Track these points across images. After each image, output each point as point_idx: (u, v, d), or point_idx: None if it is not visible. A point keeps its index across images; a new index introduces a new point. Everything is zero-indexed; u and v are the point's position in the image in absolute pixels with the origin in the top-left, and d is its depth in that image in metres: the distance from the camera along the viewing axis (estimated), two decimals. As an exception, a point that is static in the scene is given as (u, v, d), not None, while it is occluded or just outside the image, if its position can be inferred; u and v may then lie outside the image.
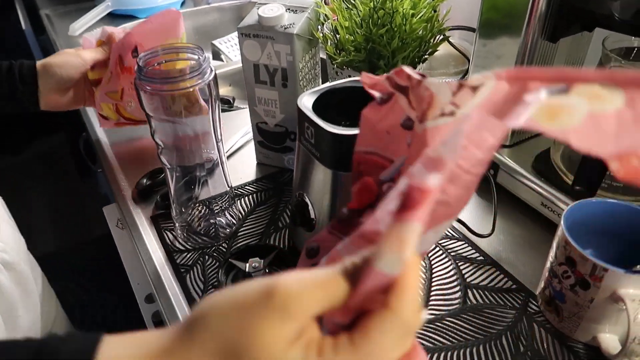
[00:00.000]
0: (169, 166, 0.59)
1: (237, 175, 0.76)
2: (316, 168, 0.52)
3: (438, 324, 0.53)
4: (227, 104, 0.98)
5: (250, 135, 0.78)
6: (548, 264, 0.52)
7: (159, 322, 0.62)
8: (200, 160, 0.61)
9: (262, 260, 0.54)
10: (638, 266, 0.47)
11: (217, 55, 1.29)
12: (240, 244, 0.63)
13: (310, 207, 0.55)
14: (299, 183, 0.57)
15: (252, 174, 0.76)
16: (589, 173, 0.53)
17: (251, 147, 0.80)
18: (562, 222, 0.49)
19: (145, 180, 0.73)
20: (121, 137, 0.85)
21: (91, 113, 0.93)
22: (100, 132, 0.87)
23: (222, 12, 1.40)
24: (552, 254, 0.51)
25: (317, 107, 0.52)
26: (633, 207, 0.50)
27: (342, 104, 0.55)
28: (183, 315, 0.55)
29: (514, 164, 0.67)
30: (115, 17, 1.30)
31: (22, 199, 2.32)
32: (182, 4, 1.40)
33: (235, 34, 1.26)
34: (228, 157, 0.80)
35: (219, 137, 0.59)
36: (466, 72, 0.73)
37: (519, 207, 0.67)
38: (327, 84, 0.55)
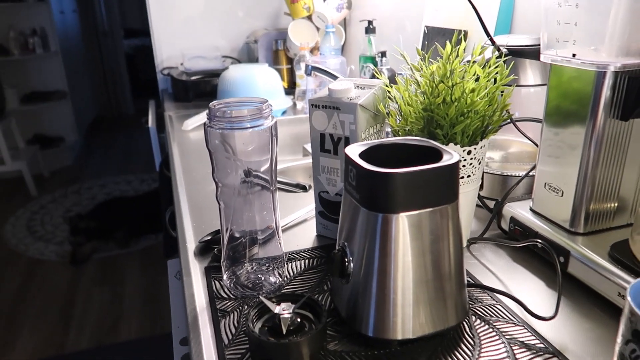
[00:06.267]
0: (224, 205, 0.62)
1: (295, 243, 0.77)
2: (357, 213, 0.52)
3: (478, 402, 0.46)
4: (303, 189, 1.03)
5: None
6: (616, 348, 0.44)
7: (186, 363, 0.60)
8: (258, 227, 0.64)
9: (293, 305, 0.53)
10: None
11: (307, 155, 1.39)
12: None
13: (348, 256, 0.54)
14: (342, 233, 0.56)
15: (310, 243, 0.77)
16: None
17: (314, 220, 0.81)
18: (628, 294, 0.42)
19: (209, 237, 0.77)
20: (202, 205, 0.92)
21: (181, 184, 1.03)
22: (184, 204, 0.95)
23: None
24: (619, 333, 0.44)
25: (365, 159, 0.53)
26: None
27: (391, 160, 0.56)
28: (208, 356, 0.54)
29: (589, 252, 0.60)
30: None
31: (119, 287, 2.48)
32: (283, 113, 1.55)
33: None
34: (291, 226, 0.82)
35: (274, 186, 0.62)
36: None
37: (592, 300, 0.59)
38: (378, 140, 0.57)
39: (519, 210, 0.72)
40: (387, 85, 0.71)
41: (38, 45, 3.86)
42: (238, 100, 0.61)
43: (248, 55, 2.05)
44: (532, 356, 0.52)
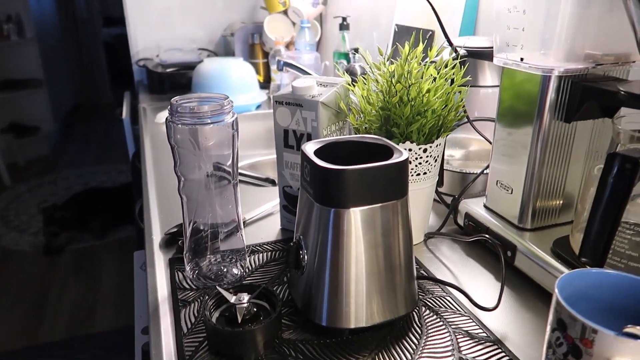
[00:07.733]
0: (186, 199, 0.64)
1: (259, 236, 0.79)
2: (312, 208, 0.54)
3: (418, 386, 0.49)
4: (272, 184, 1.05)
5: (280, 203, 0.82)
6: (546, 336, 0.47)
7: (147, 351, 0.62)
8: (221, 220, 0.66)
9: (249, 295, 0.55)
10: (628, 327, 0.41)
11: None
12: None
13: (303, 249, 0.56)
14: (299, 227, 0.59)
15: (274, 236, 0.79)
16: (594, 243, 0.50)
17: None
18: (555, 286, 0.46)
19: (175, 229, 0.78)
20: (170, 197, 0.93)
21: (150, 176, 1.04)
22: (152, 196, 0.96)
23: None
24: (548, 323, 0.47)
25: (321, 157, 0.55)
26: (635, 278, 0.45)
27: (346, 157, 0.59)
28: (166, 344, 0.56)
29: (534, 246, 0.64)
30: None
31: (94, 278, 2.48)
32: (258, 107, 1.56)
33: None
34: (257, 219, 0.84)
35: (235, 179, 0.64)
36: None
37: (535, 292, 0.62)
38: (334, 138, 0.59)
39: (474, 206, 0.75)
40: (348, 84, 0.73)
41: (13, 32, 3.79)
42: (200, 96, 0.63)
43: (225, 48, 2.06)
44: (474, 344, 0.55)
